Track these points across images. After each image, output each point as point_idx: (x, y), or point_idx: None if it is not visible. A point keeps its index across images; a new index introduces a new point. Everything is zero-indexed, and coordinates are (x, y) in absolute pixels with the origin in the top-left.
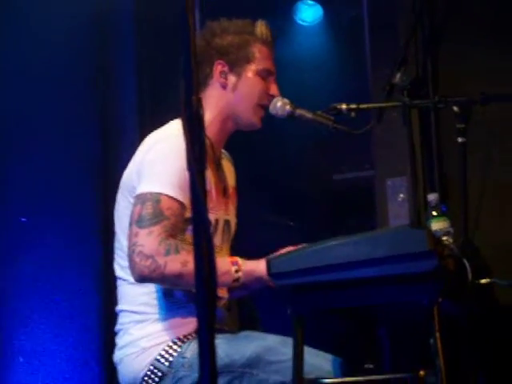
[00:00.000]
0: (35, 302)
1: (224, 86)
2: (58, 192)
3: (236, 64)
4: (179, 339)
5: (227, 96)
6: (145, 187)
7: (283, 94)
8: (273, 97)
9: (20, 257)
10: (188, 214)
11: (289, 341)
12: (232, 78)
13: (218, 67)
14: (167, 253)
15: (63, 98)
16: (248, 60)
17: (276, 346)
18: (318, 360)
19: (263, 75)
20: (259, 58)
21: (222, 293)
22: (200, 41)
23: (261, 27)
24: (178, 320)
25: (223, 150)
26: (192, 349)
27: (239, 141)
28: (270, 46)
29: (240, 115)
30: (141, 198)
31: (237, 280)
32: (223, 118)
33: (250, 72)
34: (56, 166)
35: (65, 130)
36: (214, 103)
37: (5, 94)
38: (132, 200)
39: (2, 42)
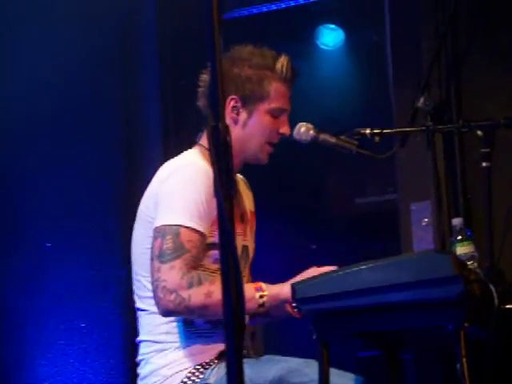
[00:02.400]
0: (59, 328)
1: (235, 121)
2: (83, 217)
3: (249, 101)
4: (201, 366)
5: (236, 131)
6: (163, 220)
7: (305, 119)
8: (283, 135)
9: (45, 282)
10: (209, 240)
11: (312, 362)
12: (243, 115)
13: (232, 102)
14: (190, 286)
15: (86, 121)
16: (262, 98)
17: (299, 368)
18: (341, 380)
19: (275, 114)
20: (274, 96)
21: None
22: (208, 78)
23: (282, 63)
24: (199, 347)
25: (239, 175)
26: (215, 375)
27: (263, 165)
28: (289, 83)
29: (247, 151)
30: (161, 232)
31: (262, 305)
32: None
33: (262, 110)
34: (80, 191)
35: (88, 153)
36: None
37: (26, 123)
38: (149, 231)
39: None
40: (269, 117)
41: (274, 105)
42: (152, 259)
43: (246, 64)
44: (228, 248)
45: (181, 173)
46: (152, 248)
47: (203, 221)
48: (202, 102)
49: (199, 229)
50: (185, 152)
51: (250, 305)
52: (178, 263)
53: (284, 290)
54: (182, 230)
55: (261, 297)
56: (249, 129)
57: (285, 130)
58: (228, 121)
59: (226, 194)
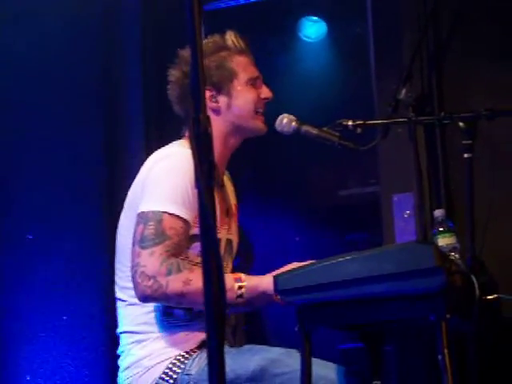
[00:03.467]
0: (42, 321)
1: (217, 110)
2: (65, 210)
3: (221, 85)
4: (182, 356)
5: (224, 117)
6: (147, 206)
7: (288, 111)
8: (266, 99)
9: (26, 275)
10: (193, 232)
11: (293, 352)
12: (223, 99)
13: (206, 93)
14: (169, 272)
15: (68, 114)
16: (231, 77)
17: (280, 358)
18: (323, 370)
19: (251, 83)
20: (240, 70)
21: None
22: (177, 73)
23: (231, 38)
24: (179, 337)
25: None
26: (196, 365)
27: (244, 157)
28: (247, 52)
29: (243, 127)
30: (143, 218)
31: (240, 296)
32: (224, 137)
33: (238, 87)
34: (62, 183)
35: (69, 145)
36: (213, 127)
37: (9, 113)
38: (134, 219)
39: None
40: (246, 89)
41: (244, 77)
42: (133, 244)
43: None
44: (209, 238)
45: (167, 160)
46: (134, 233)
47: (188, 208)
48: (174, 97)
49: (183, 216)
50: (171, 143)
51: (228, 295)
52: (158, 249)
53: (264, 281)
54: (165, 217)
55: (239, 288)
56: (234, 108)
57: (265, 93)
58: (210, 113)
59: (207, 184)
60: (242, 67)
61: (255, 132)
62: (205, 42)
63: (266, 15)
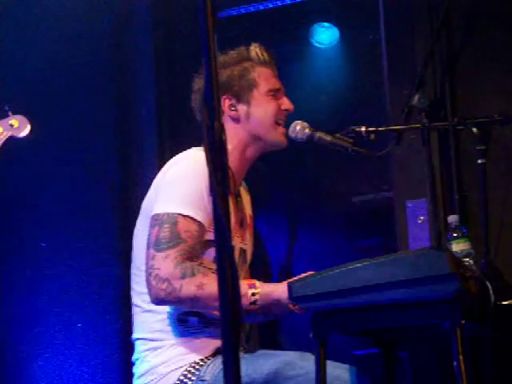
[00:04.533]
0: (56, 328)
1: (237, 119)
2: (78, 217)
3: (241, 94)
4: (196, 363)
5: (243, 126)
6: (162, 207)
7: (301, 118)
8: (287, 111)
9: (41, 283)
10: (207, 237)
11: (307, 355)
12: (243, 108)
13: (226, 102)
14: (183, 276)
15: (82, 121)
16: (251, 87)
17: (294, 361)
18: (336, 370)
19: (271, 95)
20: (261, 80)
21: None
22: (201, 82)
23: (255, 50)
24: (194, 344)
25: None
26: (211, 371)
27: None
28: (270, 64)
29: (262, 138)
30: (158, 220)
31: (253, 303)
32: (242, 147)
33: (257, 96)
34: (76, 191)
35: (83, 153)
36: (231, 136)
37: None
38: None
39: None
40: (266, 99)
41: (265, 88)
42: (148, 247)
43: (223, 68)
44: (224, 243)
45: (183, 163)
46: (149, 235)
47: (202, 211)
48: (196, 106)
49: (198, 218)
50: (190, 149)
51: (242, 301)
52: (173, 252)
53: (278, 289)
54: (180, 219)
55: (253, 294)
56: (253, 118)
57: (286, 105)
58: (230, 121)
59: (221, 191)
60: (264, 78)
61: (274, 144)
62: (230, 53)
63: (278, 22)
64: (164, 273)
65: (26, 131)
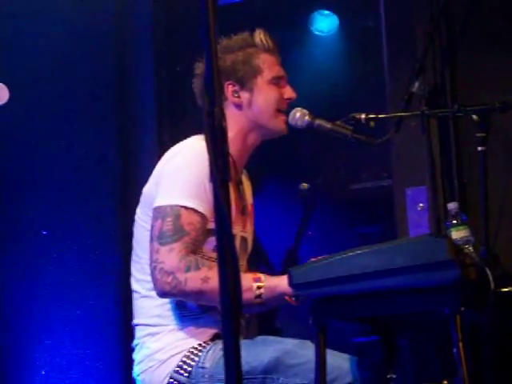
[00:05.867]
0: (56, 315)
1: (239, 105)
2: (79, 205)
3: (245, 80)
4: (195, 349)
5: (245, 113)
6: (164, 200)
7: (301, 105)
8: (289, 99)
9: (41, 270)
10: (209, 226)
11: (307, 343)
12: (245, 95)
13: (229, 88)
14: (187, 269)
15: (82, 112)
16: (255, 73)
17: (294, 349)
18: (336, 360)
19: (274, 82)
20: (266, 67)
21: None
22: (202, 68)
23: (259, 36)
24: (192, 330)
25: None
26: (210, 358)
27: (257, 152)
28: (274, 51)
29: (264, 125)
30: (161, 212)
31: (259, 296)
32: (244, 134)
33: (260, 83)
34: (76, 179)
35: (83, 142)
36: (233, 122)
37: (24, 111)
38: (151, 214)
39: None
40: (269, 86)
41: (268, 75)
42: (151, 240)
43: (227, 53)
44: (224, 231)
45: (183, 153)
46: (152, 228)
47: (204, 202)
48: (198, 90)
49: (200, 210)
50: (191, 137)
51: (246, 295)
52: (177, 246)
53: (283, 282)
54: (183, 212)
55: (258, 288)
56: (255, 105)
57: (289, 94)
58: (233, 108)
59: (222, 178)
60: (268, 65)
61: (275, 132)
62: (233, 37)
63: (278, 10)
64: (169, 266)
65: (5, 98)
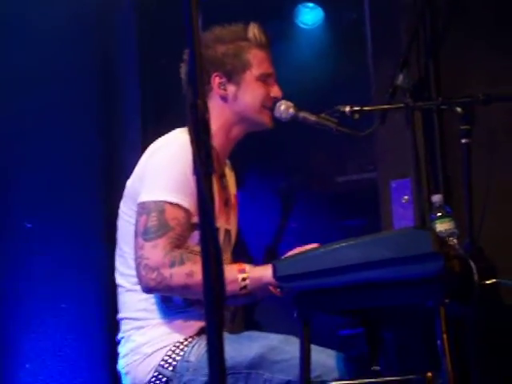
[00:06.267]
0: (41, 309)
1: (225, 98)
2: (63, 198)
3: (233, 73)
4: (181, 343)
5: (230, 106)
6: (148, 195)
7: (285, 98)
8: (275, 98)
9: (25, 262)
10: (193, 220)
11: (292, 339)
12: (231, 88)
13: (216, 79)
14: (172, 265)
15: (66, 104)
16: (244, 67)
17: (279, 345)
18: (321, 356)
19: (262, 79)
20: (256, 63)
21: None
22: None
23: (253, 30)
24: (178, 324)
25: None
26: (195, 352)
27: (240, 144)
28: (266, 47)
29: (248, 119)
30: (145, 208)
31: (244, 287)
32: (228, 127)
33: (248, 79)
34: (60, 172)
35: (68, 135)
36: (218, 114)
37: (8, 102)
38: (135, 208)
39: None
40: (256, 83)
41: (257, 71)
42: (136, 236)
43: (219, 43)
44: (207, 224)
45: (166, 148)
46: (136, 224)
47: (188, 196)
48: (185, 76)
49: (184, 205)
50: (174, 130)
51: (232, 287)
52: (161, 241)
53: (267, 272)
54: (167, 207)
55: (243, 279)
56: (241, 100)
57: (275, 92)
58: (218, 99)
59: (205, 171)
60: (258, 61)
61: (260, 126)
62: (227, 27)
63: (263, 2)
64: (153, 262)
65: None
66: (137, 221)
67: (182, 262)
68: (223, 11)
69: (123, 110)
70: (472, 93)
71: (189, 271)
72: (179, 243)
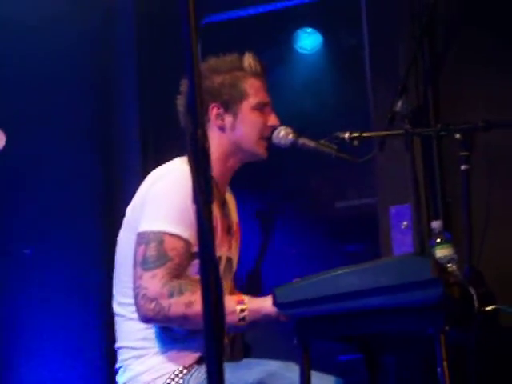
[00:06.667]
0: (39, 335)
1: (222, 128)
2: (62, 224)
3: (230, 104)
4: (180, 371)
5: (227, 136)
6: (147, 225)
7: (284, 124)
8: (273, 127)
9: (23, 289)
10: (194, 249)
11: (291, 365)
12: (229, 119)
13: (214, 110)
14: (171, 295)
15: (65, 130)
16: (242, 97)
17: (279, 371)
18: (321, 382)
19: (259, 108)
20: (252, 92)
21: None
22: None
23: (249, 60)
24: (177, 353)
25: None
26: (195, 380)
27: (241, 170)
28: (261, 77)
29: (244, 150)
30: (144, 238)
31: (243, 319)
32: (226, 156)
33: (245, 109)
34: (59, 198)
35: (67, 160)
36: (216, 144)
37: (6, 126)
38: (134, 237)
39: None
40: (254, 113)
41: (254, 101)
42: (135, 266)
43: (215, 73)
44: (207, 254)
45: (167, 178)
46: (135, 254)
47: (188, 227)
48: (182, 107)
49: (184, 236)
50: (173, 160)
51: (230, 318)
52: (160, 272)
53: (266, 304)
54: (166, 237)
55: (242, 310)
56: (238, 130)
57: (272, 121)
58: (216, 130)
59: (205, 200)
60: (254, 90)
61: (254, 157)
62: (222, 58)
63: (262, 28)
64: (152, 292)
65: (1, 144)
66: (135, 251)
67: (180, 293)
68: (223, 38)
69: (123, 135)
70: (471, 119)
71: (187, 301)
72: (178, 273)
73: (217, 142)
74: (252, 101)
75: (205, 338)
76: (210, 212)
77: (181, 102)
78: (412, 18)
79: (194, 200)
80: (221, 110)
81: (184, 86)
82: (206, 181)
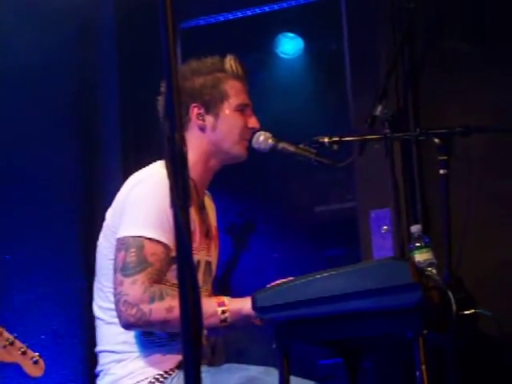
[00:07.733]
0: (19, 339)
1: (203, 128)
2: (42, 230)
3: (211, 104)
4: (161, 375)
5: (208, 136)
6: (127, 231)
7: (265, 128)
8: (253, 129)
9: (4, 295)
10: (173, 254)
11: (272, 370)
12: (210, 119)
13: (195, 110)
14: (151, 300)
15: (45, 134)
16: (222, 98)
17: (259, 376)
18: None
19: (240, 109)
20: (233, 94)
21: None
22: None
23: (230, 62)
24: (158, 356)
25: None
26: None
27: (221, 174)
28: (242, 79)
29: (224, 150)
30: (124, 244)
31: (224, 321)
32: (206, 158)
33: (226, 110)
34: (40, 203)
35: (47, 164)
36: (196, 145)
37: None
38: (114, 242)
39: None
40: (234, 114)
41: (234, 102)
42: (115, 271)
43: (196, 75)
44: (184, 258)
45: (145, 183)
46: (115, 260)
47: (167, 231)
48: (162, 108)
49: (163, 240)
50: (152, 164)
51: (212, 320)
52: (140, 277)
53: (247, 304)
54: (146, 243)
55: (223, 312)
56: (219, 131)
57: (252, 123)
58: (196, 130)
59: (183, 204)
60: (235, 92)
61: (235, 158)
62: (203, 60)
63: (243, 32)
64: (132, 298)
65: None
66: (116, 256)
67: (161, 298)
68: (204, 42)
69: (103, 136)
70: (450, 124)
71: (168, 306)
72: (158, 278)
73: (197, 143)
74: (232, 102)
75: (182, 341)
76: (188, 216)
77: (161, 102)
78: (392, 23)
79: (171, 204)
80: (202, 111)
81: (163, 87)
82: (183, 185)
